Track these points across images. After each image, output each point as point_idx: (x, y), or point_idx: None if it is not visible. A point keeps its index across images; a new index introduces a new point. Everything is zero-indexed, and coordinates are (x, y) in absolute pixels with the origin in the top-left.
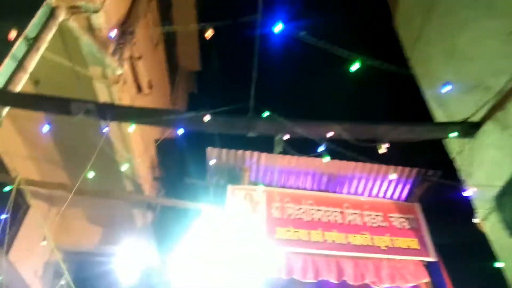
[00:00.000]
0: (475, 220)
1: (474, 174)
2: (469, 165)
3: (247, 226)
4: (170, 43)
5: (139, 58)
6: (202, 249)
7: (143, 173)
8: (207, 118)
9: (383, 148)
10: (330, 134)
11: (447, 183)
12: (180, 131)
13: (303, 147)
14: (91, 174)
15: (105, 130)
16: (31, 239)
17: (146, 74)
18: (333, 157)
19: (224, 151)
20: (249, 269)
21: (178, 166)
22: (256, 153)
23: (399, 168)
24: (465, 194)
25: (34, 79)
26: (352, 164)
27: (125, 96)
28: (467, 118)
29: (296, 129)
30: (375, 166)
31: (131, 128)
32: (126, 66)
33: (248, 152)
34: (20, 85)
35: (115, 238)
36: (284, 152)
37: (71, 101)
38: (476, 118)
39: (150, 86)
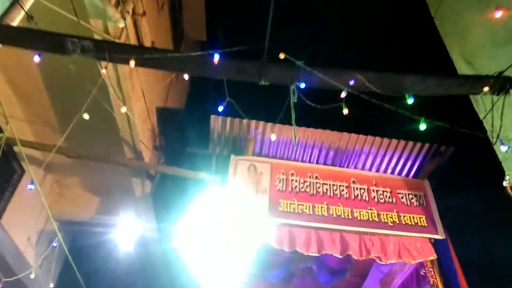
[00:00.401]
0: (504, 183)
1: (506, 134)
2: (500, 125)
3: (250, 197)
4: (175, 9)
5: (143, 14)
6: (203, 220)
7: (144, 140)
8: (216, 59)
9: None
10: (352, 83)
11: (459, 160)
12: (186, 76)
13: (319, 100)
14: (86, 116)
15: (103, 71)
16: (25, 206)
17: (149, 34)
18: (342, 130)
19: (229, 119)
20: (251, 241)
21: (179, 135)
22: (261, 123)
23: (410, 143)
24: (498, 150)
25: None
26: (361, 137)
27: None
28: (502, 72)
29: (314, 77)
30: (385, 140)
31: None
32: (129, 21)
33: (253, 122)
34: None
35: (112, 207)
36: (298, 103)
37: (66, 37)
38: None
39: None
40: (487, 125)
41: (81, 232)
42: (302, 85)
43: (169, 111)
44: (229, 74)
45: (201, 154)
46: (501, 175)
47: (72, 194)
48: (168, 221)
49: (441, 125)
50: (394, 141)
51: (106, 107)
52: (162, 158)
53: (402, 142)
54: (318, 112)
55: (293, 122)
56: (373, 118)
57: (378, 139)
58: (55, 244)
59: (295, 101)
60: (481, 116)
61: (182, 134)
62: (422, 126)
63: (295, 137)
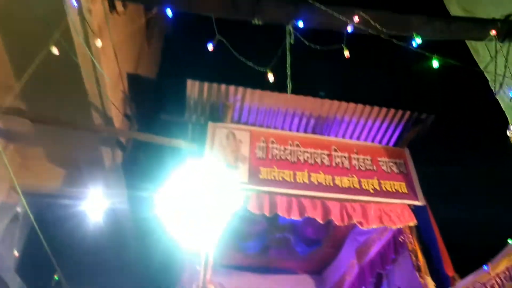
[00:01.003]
0: (508, 133)
1: (509, 83)
2: (504, 73)
3: (229, 165)
4: None
5: None
6: (180, 189)
7: (115, 103)
8: None
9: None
10: (356, 19)
11: (439, 127)
12: (169, 12)
13: (317, 41)
14: (55, 50)
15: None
16: None
17: None
18: (323, 96)
19: (206, 84)
20: (230, 209)
21: (153, 103)
22: (241, 89)
23: (391, 110)
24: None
25: None
26: (343, 105)
27: (97, 9)
28: (510, 15)
29: (314, 13)
30: (367, 108)
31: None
32: None
33: (232, 87)
34: None
35: (80, 179)
36: (296, 45)
37: None
38: None
39: (125, 6)
40: (488, 74)
41: (47, 205)
42: (301, 24)
43: (142, 78)
44: (219, 10)
45: (176, 122)
46: (482, 142)
47: (36, 165)
48: (140, 192)
49: (453, 63)
50: (376, 109)
51: (72, 57)
52: (134, 126)
53: (384, 110)
54: (301, 76)
55: (288, 67)
56: (356, 82)
57: (360, 106)
58: (19, 210)
59: (292, 42)
60: (481, 66)
61: (156, 101)
62: (435, 63)
63: (289, 82)
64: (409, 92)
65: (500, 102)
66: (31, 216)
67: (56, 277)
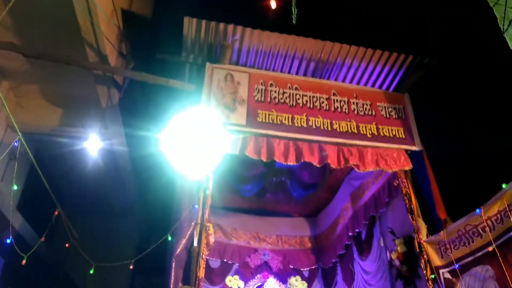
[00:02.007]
0: None
1: None
2: None
3: (227, 107)
4: None
5: None
6: (178, 129)
7: (110, 40)
8: None
9: None
10: None
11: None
12: None
13: None
14: None
15: None
16: None
17: None
18: (324, 38)
19: (204, 22)
20: (226, 149)
21: (149, 40)
22: (240, 28)
23: (394, 54)
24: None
25: None
26: (344, 47)
27: None
28: None
29: None
30: (368, 51)
31: None
32: None
33: (231, 26)
34: None
35: (77, 119)
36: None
37: None
38: None
39: None
40: (497, 12)
41: (45, 143)
42: None
43: (137, 15)
44: None
45: (173, 62)
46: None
47: (31, 105)
48: (138, 131)
49: None
50: (378, 52)
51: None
52: (130, 65)
53: (386, 54)
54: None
55: None
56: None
57: (361, 49)
58: (16, 146)
59: None
60: (491, 3)
61: (152, 40)
62: None
63: (294, 8)
64: (412, 36)
65: (508, 41)
66: (30, 153)
67: (56, 213)
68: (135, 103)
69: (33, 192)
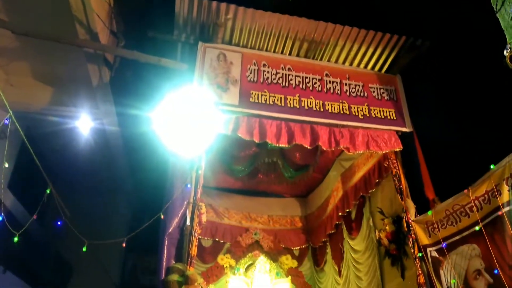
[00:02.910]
0: (505, 52)
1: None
2: None
3: (219, 87)
4: None
5: None
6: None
7: (100, 17)
8: None
9: None
10: None
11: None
12: None
13: None
14: None
15: None
16: None
17: None
18: (318, 18)
19: (196, 0)
20: (219, 129)
21: (140, 18)
22: (233, 7)
23: (387, 35)
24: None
25: None
26: (337, 28)
27: None
28: None
29: None
30: (361, 32)
31: None
32: None
33: (224, 4)
34: None
35: (68, 98)
36: None
37: None
38: None
39: None
40: None
41: (36, 122)
42: None
43: None
44: None
45: (165, 41)
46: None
47: (22, 82)
48: (129, 110)
49: None
50: (371, 33)
51: None
52: (121, 43)
53: (379, 34)
54: None
55: None
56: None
57: (354, 30)
58: (6, 122)
59: None
60: None
61: (143, 18)
62: None
63: None
64: (405, 17)
65: (500, 21)
66: (20, 131)
67: (48, 190)
68: (127, 82)
69: (24, 170)
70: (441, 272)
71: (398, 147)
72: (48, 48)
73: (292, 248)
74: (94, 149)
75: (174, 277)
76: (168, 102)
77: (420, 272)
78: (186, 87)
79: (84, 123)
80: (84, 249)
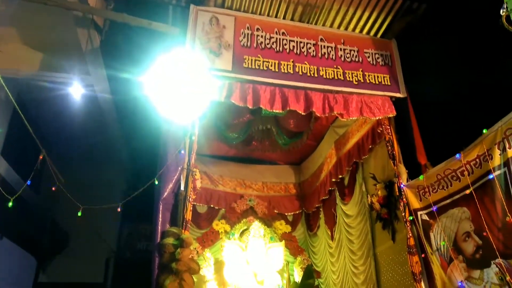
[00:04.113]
0: (501, 11)
1: None
2: None
3: (212, 52)
4: None
5: None
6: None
7: None
8: None
9: None
10: None
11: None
12: None
13: None
14: None
15: None
16: None
17: None
18: None
19: None
20: (212, 96)
21: None
22: None
23: None
24: None
25: None
26: None
27: None
28: None
29: None
30: None
31: None
32: None
33: None
34: None
35: (58, 63)
36: None
37: None
38: None
39: None
40: None
41: (26, 88)
42: None
43: None
44: None
45: (155, 3)
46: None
47: (10, 48)
48: (121, 75)
49: None
50: None
51: None
52: (111, 5)
53: None
54: None
55: None
56: None
57: None
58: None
59: None
60: None
61: None
62: None
63: None
64: None
65: None
66: (11, 97)
67: (41, 156)
68: (118, 47)
69: (17, 138)
70: (431, 234)
71: (392, 113)
72: (36, 12)
73: (286, 214)
74: (86, 116)
75: (170, 240)
76: (160, 66)
77: (410, 235)
78: (178, 51)
79: (75, 89)
80: (79, 213)
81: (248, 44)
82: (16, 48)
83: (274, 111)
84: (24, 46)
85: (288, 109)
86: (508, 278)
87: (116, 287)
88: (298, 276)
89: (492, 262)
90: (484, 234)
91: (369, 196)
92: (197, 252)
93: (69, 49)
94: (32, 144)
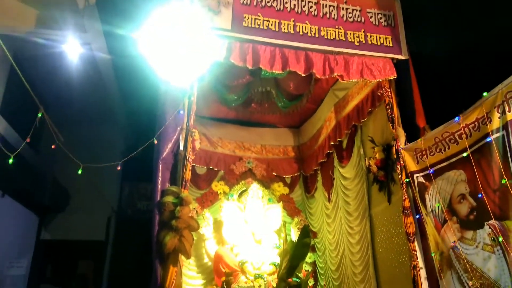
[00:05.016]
0: None
1: None
2: None
3: (211, 10)
4: None
5: None
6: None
7: None
8: None
9: None
10: None
11: None
12: None
13: None
14: None
15: None
16: None
17: None
18: None
19: None
20: (211, 56)
21: None
22: None
23: None
24: None
25: None
26: None
27: None
28: None
29: None
30: None
31: None
32: None
33: None
34: None
35: (54, 21)
36: None
37: None
38: None
39: None
40: None
41: (23, 46)
42: None
43: None
44: None
45: None
46: None
47: (4, 5)
48: (118, 33)
49: None
50: None
51: None
52: None
53: None
54: None
55: None
56: None
57: None
58: None
59: None
60: None
61: None
62: None
63: None
64: None
65: None
66: (7, 54)
67: (39, 114)
68: (114, 3)
69: (15, 97)
70: (426, 196)
71: (393, 76)
72: None
73: (284, 176)
74: (84, 76)
75: (169, 198)
76: (157, 23)
77: (406, 196)
78: (176, 7)
79: (72, 48)
80: (79, 171)
81: (248, 2)
82: (11, 4)
83: (274, 72)
84: (19, 3)
85: (288, 70)
86: (501, 238)
87: (117, 244)
88: (295, 236)
89: (485, 224)
90: (479, 196)
91: (366, 159)
92: (196, 212)
93: (65, 6)
94: (30, 103)
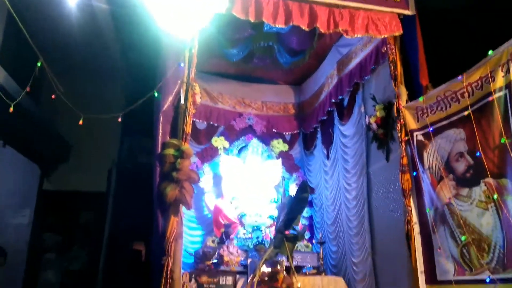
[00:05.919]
0: None
1: None
2: None
3: None
4: None
5: None
6: None
7: None
8: None
9: None
10: None
11: None
12: None
13: None
14: None
15: None
16: None
17: None
18: None
19: None
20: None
21: None
22: None
23: None
24: None
25: None
26: None
27: None
28: None
29: None
30: None
31: None
32: None
33: None
34: None
35: None
36: None
37: None
38: None
39: None
40: None
41: None
42: None
43: None
44: None
45: None
46: None
47: None
48: None
49: None
50: None
51: None
52: None
53: None
54: None
55: None
56: None
57: None
58: None
59: None
60: None
61: None
62: None
63: None
64: None
65: None
66: (6, 2)
67: (39, 63)
68: None
69: (13, 46)
70: (425, 154)
71: (398, 32)
72: None
73: (284, 133)
74: (84, 26)
75: (170, 151)
76: None
77: (404, 154)
78: None
79: None
80: (80, 121)
81: None
82: None
83: (277, 25)
84: None
85: (291, 24)
86: (496, 196)
87: (118, 195)
88: (293, 192)
89: (481, 181)
90: (478, 154)
91: (367, 117)
92: (197, 166)
93: None
94: (29, 52)
